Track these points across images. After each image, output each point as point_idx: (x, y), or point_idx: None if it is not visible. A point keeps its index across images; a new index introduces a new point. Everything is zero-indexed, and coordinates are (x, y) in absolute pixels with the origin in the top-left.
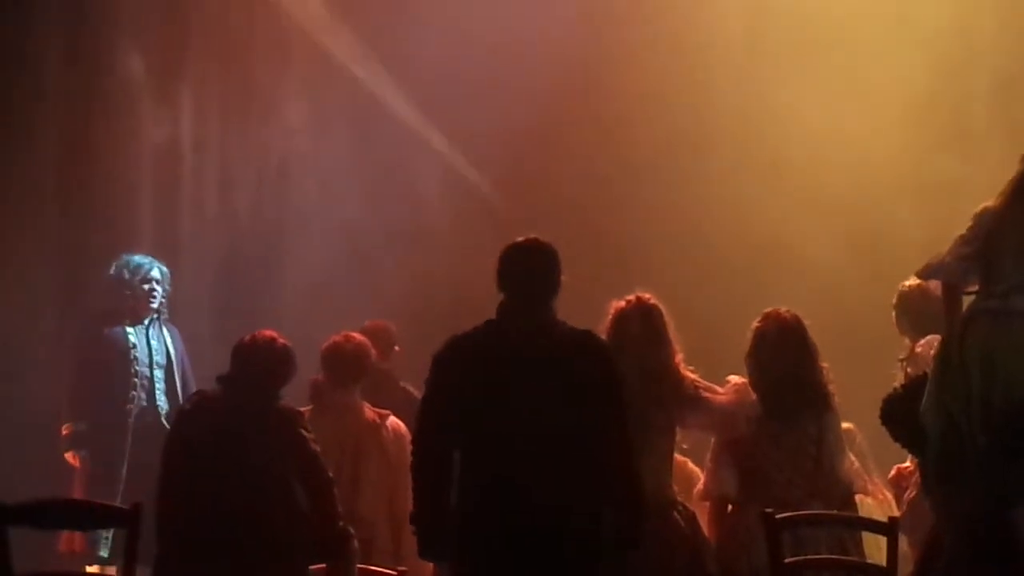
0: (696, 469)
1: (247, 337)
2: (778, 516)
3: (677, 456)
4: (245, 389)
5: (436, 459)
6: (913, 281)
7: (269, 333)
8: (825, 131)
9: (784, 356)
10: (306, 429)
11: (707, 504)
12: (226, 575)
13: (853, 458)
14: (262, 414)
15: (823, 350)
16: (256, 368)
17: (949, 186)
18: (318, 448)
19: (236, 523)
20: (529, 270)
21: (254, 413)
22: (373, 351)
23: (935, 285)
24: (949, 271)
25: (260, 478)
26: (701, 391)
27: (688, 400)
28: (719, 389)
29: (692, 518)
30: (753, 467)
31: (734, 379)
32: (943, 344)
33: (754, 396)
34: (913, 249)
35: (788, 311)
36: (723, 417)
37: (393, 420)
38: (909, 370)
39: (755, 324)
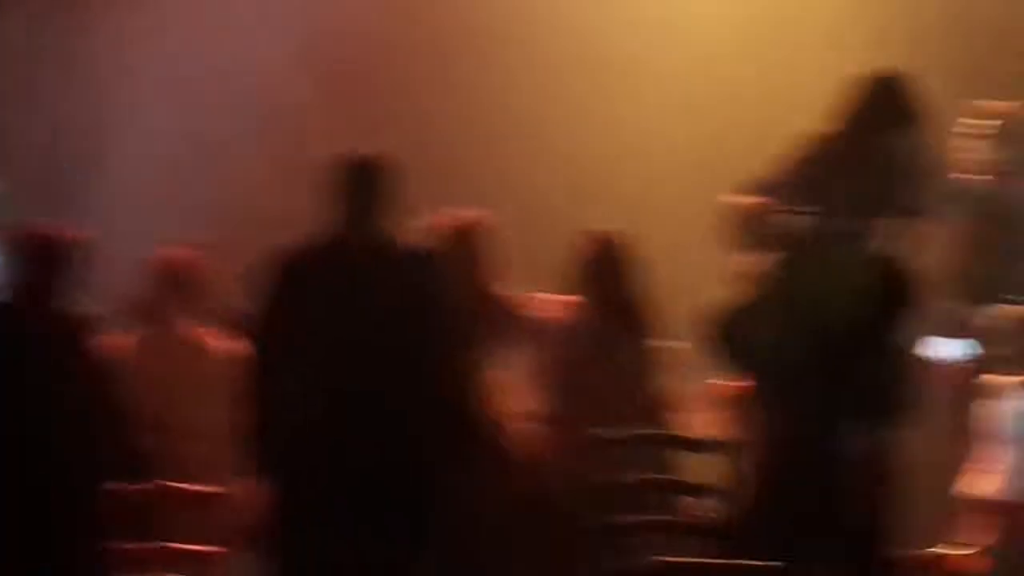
0: (519, 391)
1: (22, 233)
2: (604, 436)
3: (500, 376)
4: (26, 292)
5: (268, 372)
6: (743, 199)
7: (47, 227)
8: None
9: (607, 276)
10: (94, 333)
11: (532, 425)
12: (14, 508)
13: (678, 378)
14: (44, 321)
15: (649, 266)
16: (34, 265)
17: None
18: (107, 357)
19: (21, 447)
20: (366, 183)
21: (35, 320)
22: (197, 267)
23: (766, 204)
24: (778, 190)
25: (42, 393)
26: (521, 311)
27: (509, 319)
28: (542, 308)
29: (519, 438)
30: (578, 387)
31: (556, 299)
32: (769, 265)
33: (578, 316)
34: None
35: (611, 231)
36: (547, 336)
37: (216, 335)
38: (736, 290)
39: (578, 244)
